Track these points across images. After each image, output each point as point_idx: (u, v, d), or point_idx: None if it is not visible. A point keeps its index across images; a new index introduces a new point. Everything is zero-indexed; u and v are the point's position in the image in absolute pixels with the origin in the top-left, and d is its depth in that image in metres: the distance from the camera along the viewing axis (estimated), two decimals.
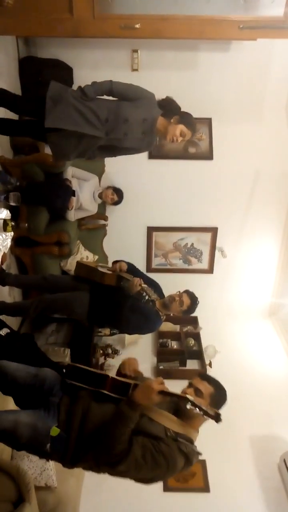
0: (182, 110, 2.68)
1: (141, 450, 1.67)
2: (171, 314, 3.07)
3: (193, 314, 3.28)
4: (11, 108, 2.79)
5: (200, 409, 1.65)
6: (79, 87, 2.55)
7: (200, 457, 1.82)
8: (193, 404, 1.66)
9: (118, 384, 1.85)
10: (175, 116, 2.61)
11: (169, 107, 2.63)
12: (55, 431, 1.72)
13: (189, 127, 2.63)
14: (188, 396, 1.69)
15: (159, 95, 2.65)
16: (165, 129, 2.62)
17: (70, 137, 2.57)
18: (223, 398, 1.84)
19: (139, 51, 4.09)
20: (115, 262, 3.09)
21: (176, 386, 1.83)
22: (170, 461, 1.67)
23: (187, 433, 1.77)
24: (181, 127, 2.60)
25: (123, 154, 2.78)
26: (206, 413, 1.66)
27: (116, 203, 4.36)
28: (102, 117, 2.52)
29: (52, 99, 2.50)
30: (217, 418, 1.68)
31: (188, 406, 1.66)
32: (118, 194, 4.32)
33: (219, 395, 1.82)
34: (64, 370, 2.03)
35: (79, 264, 3.22)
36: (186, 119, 2.63)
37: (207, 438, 1.89)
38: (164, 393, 1.72)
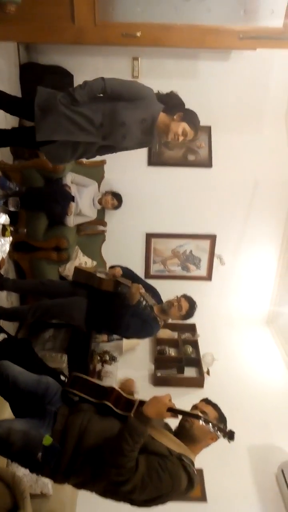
0: (186, 107, 2.50)
1: (147, 468, 1.62)
2: (170, 320, 3.06)
3: (191, 321, 3.29)
4: (7, 110, 2.67)
5: (214, 425, 1.62)
6: (69, 92, 2.34)
7: (198, 466, 1.80)
8: (206, 421, 1.62)
9: (123, 399, 1.81)
10: (178, 112, 2.43)
11: (172, 103, 2.45)
12: (47, 440, 1.67)
13: (192, 127, 2.44)
14: (200, 414, 1.67)
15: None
16: (166, 127, 2.44)
17: (65, 146, 2.44)
18: (225, 425, 1.79)
19: (139, 59, 4.12)
20: (111, 267, 3.09)
21: (175, 395, 1.80)
22: (175, 479, 1.63)
23: (188, 455, 1.73)
24: (183, 125, 2.42)
25: (122, 151, 2.64)
26: (220, 429, 1.62)
27: (117, 207, 4.37)
28: (96, 122, 2.36)
29: (40, 108, 2.34)
30: (230, 435, 1.64)
31: (201, 422, 1.62)
32: (117, 198, 4.34)
33: (221, 422, 1.80)
34: (64, 379, 1.99)
35: (77, 270, 3.22)
36: (190, 117, 2.45)
37: (205, 448, 1.86)
38: (174, 410, 1.66)
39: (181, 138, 2.44)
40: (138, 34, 3.15)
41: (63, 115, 2.33)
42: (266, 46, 3.33)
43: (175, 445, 1.73)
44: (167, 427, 1.89)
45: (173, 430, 1.87)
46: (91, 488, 1.74)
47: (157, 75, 4.17)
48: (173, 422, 1.86)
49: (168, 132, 2.44)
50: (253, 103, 4.32)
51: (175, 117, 2.43)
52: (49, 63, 4.08)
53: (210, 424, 1.61)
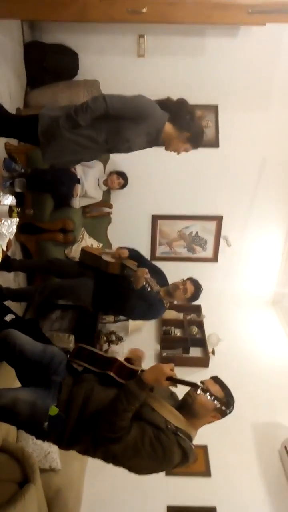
0: (197, 126, 2.41)
1: (141, 434, 1.66)
2: (176, 302, 3.08)
3: (197, 302, 3.29)
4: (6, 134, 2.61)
5: (211, 394, 1.63)
6: (71, 116, 2.25)
7: (202, 442, 1.83)
8: (204, 390, 1.64)
9: (125, 369, 1.85)
10: (187, 133, 2.35)
11: (181, 118, 2.34)
12: (53, 410, 1.72)
13: (194, 147, 2.43)
14: (199, 383, 1.68)
15: (166, 82, 2.50)
16: (169, 139, 2.39)
17: (70, 160, 2.52)
18: (231, 406, 1.79)
19: (145, 36, 4.03)
20: (119, 248, 3.10)
21: (179, 374, 1.82)
22: (167, 452, 1.66)
23: (187, 429, 1.75)
24: (186, 146, 2.40)
25: None
26: (217, 398, 1.64)
27: (123, 186, 4.35)
28: (100, 140, 2.34)
29: (44, 135, 2.32)
30: (227, 404, 1.68)
31: (199, 391, 1.64)
32: (123, 177, 4.31)
33: (227, 402, 1.78)
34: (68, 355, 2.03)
35: (84, 251, 3.23)
36: (195, 140, 2.39)
37: (210, 424, 1.89)
38: (173, 380, 1.70)
39: (180, 153, 2.46)
40: (144, 10, 3.07)
41: (67, 139, 2.31)
42: (276, 21, 3.24)
43: (175, 418, 1.75)
44: (173, 397, 1.91)
45: (178, 402, 1.88)
46: (93, 455, 1.79)
47: (164, 52, 4.09)
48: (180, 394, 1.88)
49: (170, 145, 2.42)
50: (262, 81, 4.23)
51: (182, 134, 2.36)
52: (53, 42, 4.01)
53: (208, 393, 1.63)
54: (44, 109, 2.37)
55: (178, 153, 2.46)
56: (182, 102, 2.38)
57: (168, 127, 2.35)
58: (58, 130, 2.28)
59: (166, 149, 2.45)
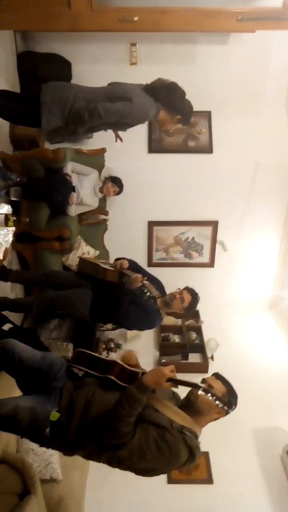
0: (187, 107, 2.63)
1: (145, 436, 1.65)
2: (174, 312, 3.07)
3: None
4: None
5: (213, 395, 1.63)
6: (68, 126, 2.50)
7: (204, 449, 1.82)
8: (205, 390, 1.64)
9: (126, 372, 1.84)
10: (178, 116, 2.63)
11: (173, 105, 2.60)
12: (54, 415, 1.71)
13: (185, 125, 2.76)
14: (200, 384, 1.69)
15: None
16: (163, 123, 2.69)
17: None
18: (234, 401, 1.80)
19: (137, 44, 4.07)
20: (118, 259, 3.09)
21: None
22: (174, 451, 1.65)
23: (193, 427, 1.74)
24: (178, 125, 2.71)
25: None
26: (218, 399, 1.64)
27: (119, 192, 4.34)
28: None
29: (47, 137, 2.63)
30: (229, 404, 1.69)
31: (200, 392, 1.64)
32: (117, 184, 4.28)
33: (230, 397, 1.79)
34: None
35: (82, 260, 3.21)
36: (186, 120, 2.68)
37: (210, 430, 1.88)
38: (174, 381, 1.69)
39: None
40: (136, 18, 3.11)
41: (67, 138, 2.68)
42: (265, 28, 3.28)
43: (179, 417, 1.74)
44: (175, 397, 1.91)
45: (181, 401, 1.88)
46: (97, 459, 1.78)
47: (156, 60, 4.13)
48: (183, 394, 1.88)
49: (163, 126, 2.73)
50: (253, 87, 4.27)
51: (174, 118, 2.64)
52: (46, 51, 4.04)
53: (209, 394, 1.63)
54: (44, 124, 2.49)
55: (170, 131, 2.82)
56: (172, 88, 2.59)
57: (162, 114, 2.62)
58: (60, 136, 2.60)
59: (160, 129, 2.82)
